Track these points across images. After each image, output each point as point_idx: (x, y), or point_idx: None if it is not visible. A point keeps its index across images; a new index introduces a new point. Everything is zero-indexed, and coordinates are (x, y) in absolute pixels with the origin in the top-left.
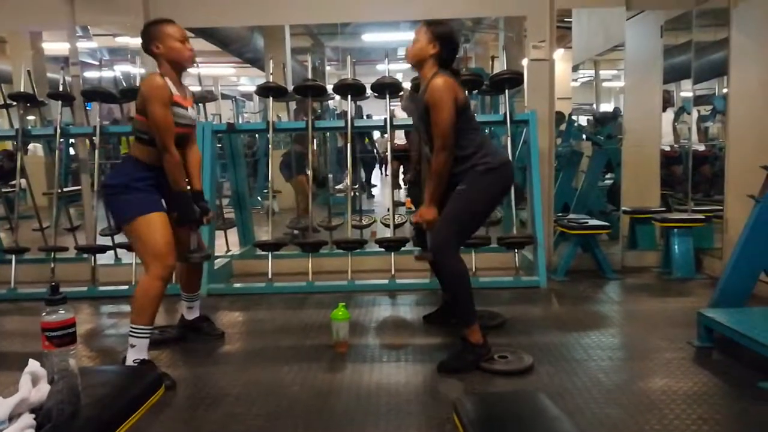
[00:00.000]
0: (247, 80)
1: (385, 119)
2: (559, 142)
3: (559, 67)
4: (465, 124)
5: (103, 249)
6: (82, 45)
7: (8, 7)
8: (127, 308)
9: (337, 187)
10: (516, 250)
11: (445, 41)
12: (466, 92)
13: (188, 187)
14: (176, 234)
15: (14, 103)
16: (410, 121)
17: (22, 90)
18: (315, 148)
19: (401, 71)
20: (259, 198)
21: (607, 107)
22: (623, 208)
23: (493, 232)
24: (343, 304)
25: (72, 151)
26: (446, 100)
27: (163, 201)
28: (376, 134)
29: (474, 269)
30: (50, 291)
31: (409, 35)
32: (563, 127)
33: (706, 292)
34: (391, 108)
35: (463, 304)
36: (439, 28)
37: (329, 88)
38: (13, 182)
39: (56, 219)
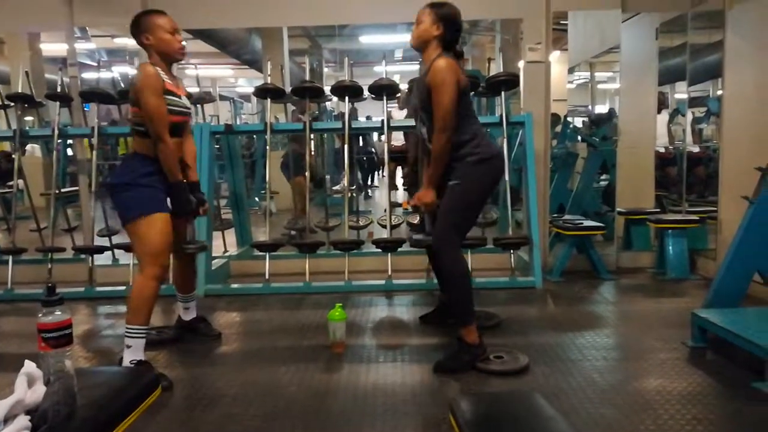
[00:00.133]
0: (245, 82)
1: (383, 121)
2: (554, 144)
3: (555, 69)
4: (464, 110)
5: (101, 250)
6: (81, 46)
7: (6, 8)
8: (124, 309)
9: (334, 188)
10: (512, 251)
11: (448, 22)
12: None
13: (184, 179)
14: (172, 225)
15: (12, 104)
16: (407, 123)
17: (20, 91)
18: (312, 149)
19: (398, 73)
20: (256, 199)
21: (602, 109)
22: (618, 209)
23: (488, 232)
24: (340, 304)
25: (70, 152)
26: (449, 82)
27: (168, 200)
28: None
29: (470, 270)
30: (47, 292)
31: (406, 37)
32: (559, 128)
33: (700, 293)
34: (388, 109)
35: (462, 303)
36: (443, 9)
37: (327, 89)
38: (10, 183)
39: (54, 220)
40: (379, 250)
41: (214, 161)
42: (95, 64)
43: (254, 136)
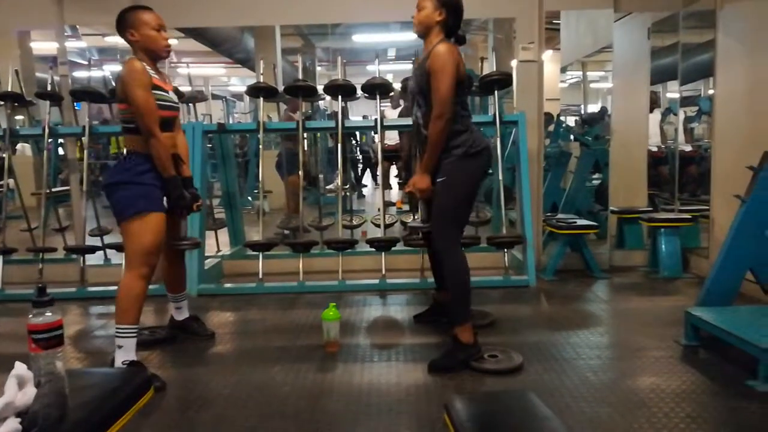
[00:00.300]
0: (238, 80)
1: (376, 120)
2: (547, 143)
3: (548, 68)
4: (460, 99)
5: (92, 249)
6: (71, 44)
7: None
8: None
9: (327, 187)
10: (505, 250)
11: (450, 7)
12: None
13: (178, 174)
14: (167, 222)
15: (2, 103)
16: (401, 122)
17: (9, 89)
18: (305, 148)
19: (391, 72)
20: (249, 198)
21: (594, 108)
22: (611, 208)
23: (482, 231)
24: (334, 304)
25: (61, 151)
26: (449, 68)
27: (165, 199)
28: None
29: None
30: (37, 293)
31: (398, 36)
32: (551, 127)
33: (692, 291)
34: (381, 108)
35: (460, 300)
36: None
37: (320, 88)
38: (0, 182)
39: (45, 219)
40: (373, 249)
41: (207, 160)
42: (86, 62)
43: (247, 135)
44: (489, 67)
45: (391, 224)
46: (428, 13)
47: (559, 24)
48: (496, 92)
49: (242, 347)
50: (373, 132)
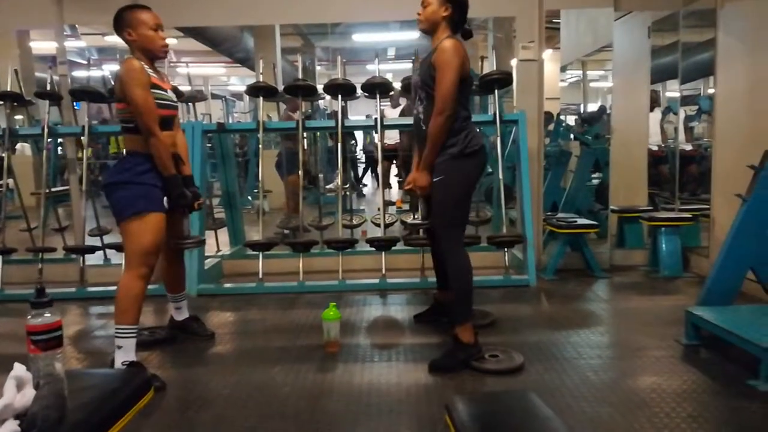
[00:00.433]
0: (237, 80)
1: (376, 119)
2: (547, 142)
3: (548, 67)
4: (462, 96)
5: (92, 249)
6: (70, 44)
7: None
8: None
9: (327, 186)
10: (506, 249)
11: (456, 2)
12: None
13: (178, 173)
14: (167, 221)
15: (1, 103)
16: (401, 121)
17: (9, 89)
18: (305, 147)
19: (391, 71)
20: (249, 198)
21: (594, 107)
22: (611, 207)
23: (482, 231)
24: (334, 303)
25: (60, 150)
26: (454, 63)
27: (165, 199)
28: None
29: None
30: (36, 294)
31: (398, 35)
32: (551, 127)
33: (693, 291)
34: (381, 108)
35: (462, 300)
36: None
37: (319, 87)
38: (0, 182)
39: (44, 219)
40: (373, 248)
41: (207, 160)
42: (85, 62)
43: (247, 134)
44: (489, 66)
45: (391, 224)
46: (434, 9)
47: (559, 23)
48: (496, 91)
49: (242, 347)
50: (373, 131)
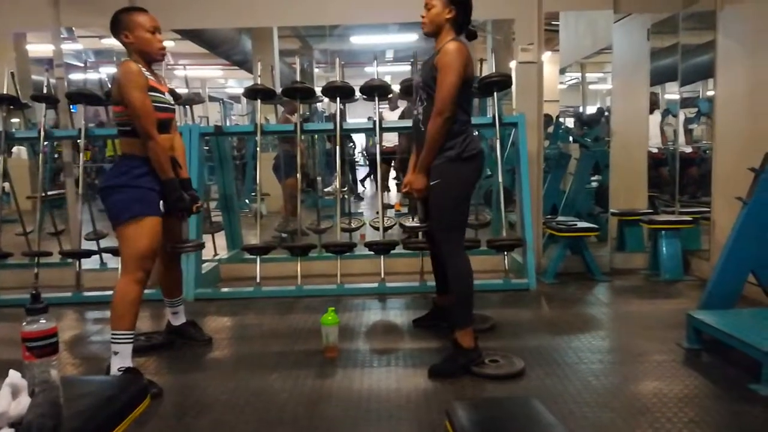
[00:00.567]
0: (235, 82)
1: (374, 122)
2: (546, 145)
3: (547, 69)
4: (464, 101)
5: (88, 253)
6: (67, 47)
7: None
8: None
9: (326, 189)
10: (505, 253)
11: (460, 4)
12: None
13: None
14: (166, 225)
15: None
16: (399, 124)
17: (5, 92)
18: (304, 150)
19: (389, 74)
20: (247, 201)
21: (593, 110)
22: (611, 210)
23: (482, 234)
24: (333, 308)
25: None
26: (456, 66)
27: (161, 203)
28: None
29: None
30: (31, 299)
31: (396, 38)
32: (551, 129)
33: (694, 294)
34: (380, 110)
35: (463, 304)
36: None
37: (318, 90)
38: None
39: (40, 223)
40: (372, 252)
41: (204, 163)
42: (82, 64)
43: (244, 137)
44: (488, 69)
45: (390, 227)
46: (438, 11)
47: (557, 25)
48: (495, 94)
49: (240, 352)
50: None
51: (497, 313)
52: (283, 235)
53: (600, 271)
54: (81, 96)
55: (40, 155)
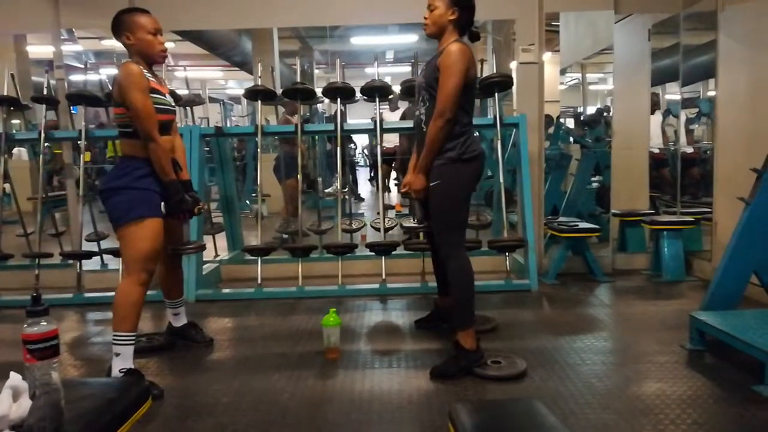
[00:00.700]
0: (235, 83)
1: (375, 122)
2: (547, 145)
3: (547, 70)
4: (466, 102)
5: (89, 255)
6: (67, 48)
7: None
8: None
9: (326, 190)
10: (507, 254)
11: (463, 5)
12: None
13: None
14: (166, 227)
15: None
16: (400, 125)
17: (5, 93)
18: (304, 150)
19: (390, 74)
20: (247, 202)
21: (593, 110)
22: (613, 210)
23: (483, 235)
24: (334, 309)
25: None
26: (459, 68)
27: (162, 205)
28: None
29: None
30: (32, 301)
31: (397, 38)
32: (551, 130)
33: (696, 295)
34: (380, 111)
35: (464, 305)
36: None
37: (318, 91)
38: None
39: (41, 224)
40: (373, 253)
41: (205, 164)
42: (82, 66)
43: (245, 138)
44: (488, 69)
45: (391, 228)
46: (441, 12)
47: (558, 26)
48: (496, 94)
49: (241, 354)
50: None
51: (499, 314)
52: (284, 236)
53: (602, 271)
54: (81, 97)
55: (41, 156)
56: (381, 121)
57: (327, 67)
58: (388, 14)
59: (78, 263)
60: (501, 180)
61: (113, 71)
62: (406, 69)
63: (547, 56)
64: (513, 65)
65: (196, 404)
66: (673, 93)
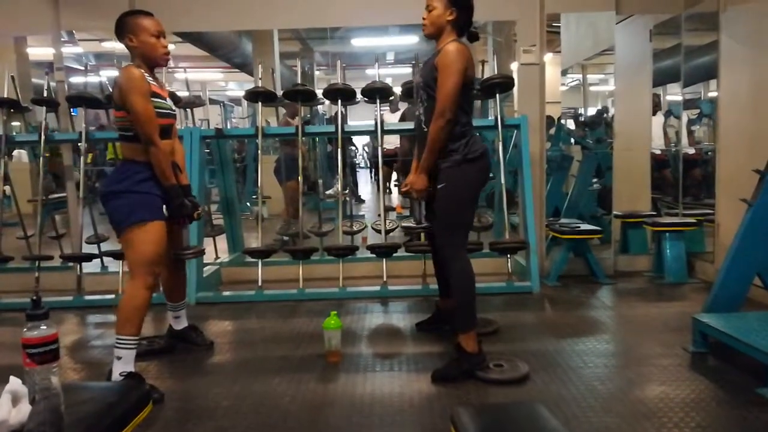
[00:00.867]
0: (236, 85)
1: (376, 124)
2: (548, 146)
3: (548, 71)
4: (464, 102)
5: (89, 257)
6: (68, 50)
7: None
8: (113, 318)
9: (327, 192)
10: (508, 256)
11: (461, 5)
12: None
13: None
14: (168, 231)
15: None
16: (401, 126)
17: (5, 95)
18: (305, 152)
19: (391, 76)
20: (248, 204)
21: (594, 111)
22: (614, 212)
23: (485, 237)
24: (335, 312)
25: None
26: (457, 67)
27: (164, 207)
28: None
29: None
30: (31, 305)
31: (397, 40)
32: (552, 131)
33: (698, 297)
34: (381, 112)
35: (465, 308)
36: None
37: (319, 92)
38: None
39: (41, 227)
40: (374, 255)
41: (205, 166)
42: (83, 68)
43: (245, 140)
44: (489, 70)
45: (392, 230)
46: (439, 13)
47: (559, 27)
48: (497, 96)
49: (242, 357)
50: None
51: (501, 317)
52: (285, 238)
53: (603, 273)
54: (81, 99)
55: (41, 159)
56: (382, 122)
57: (328, 68)
58: (388, 15)
59: (78, 266)
60: (502, 181)
61: (114, 73)
62: (406, 70)
63: (548, 57)
64: (514, 66)
65: (197, 408)
66: (674, 94)
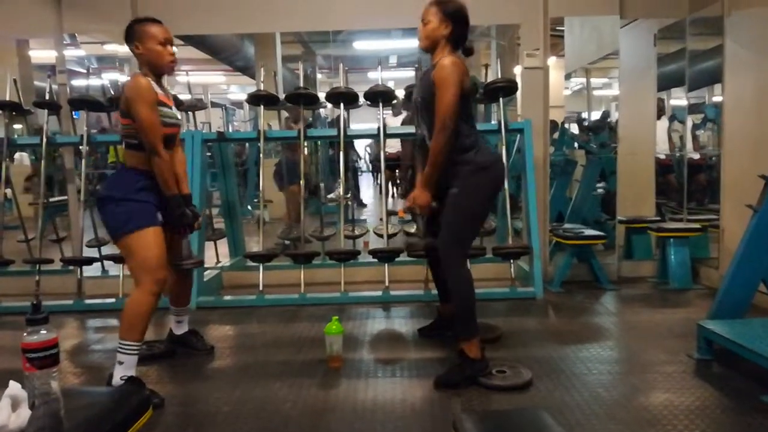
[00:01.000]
0: (238, 88)
1: (378, 128)
2: (552, 151)
3: (552, 75)
4: (464, 113)
5: (90, 261)
6: (70, 53)
7: None
8: (114, 322)
9: (329, 196)
10: (512, 261)
11: (457, 19)
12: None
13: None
14: (167, 240)
15: (0, 112)
16: (403, 130)
17: (7, 98)
18: (307, 156)
19: (393, 79)
20: (249, 207)
21: (598, 115)
22: (619, 217)
23: (488, 242)
24: (337, 317)
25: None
26: (453, 81)
27: (159, 214)
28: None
29: None
30: (31, 309)
31: (401, 43)
32: (556, 135)
33: (703, 303)
34: (383, 116)
35: (465, 315)
36: (449, 6)
37: (321, 96)
38: None
39: (42, 230)
40: (376, 260)
41: (206, 169)
42: (85, 71)
43: (247, 143)
44: (492, 74)
45: (394, 234)
46: (434, 26)
47: (563, 30)
48: (501, 100)
49: (242, 362)
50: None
51: (504, 322)
52: (286, 242)
53: (607, 279)
54: (83, 102)
55: (42, 162)
56: (384, 126)
57: (330, 71)
58: (390, 19)
59: (79, 269)
60: (505, 186)
61: (115, 76)
62: (409, 73)
63: (551, 61)
64: (517, 70)
65: (197, 413)
66: (679, 98)
